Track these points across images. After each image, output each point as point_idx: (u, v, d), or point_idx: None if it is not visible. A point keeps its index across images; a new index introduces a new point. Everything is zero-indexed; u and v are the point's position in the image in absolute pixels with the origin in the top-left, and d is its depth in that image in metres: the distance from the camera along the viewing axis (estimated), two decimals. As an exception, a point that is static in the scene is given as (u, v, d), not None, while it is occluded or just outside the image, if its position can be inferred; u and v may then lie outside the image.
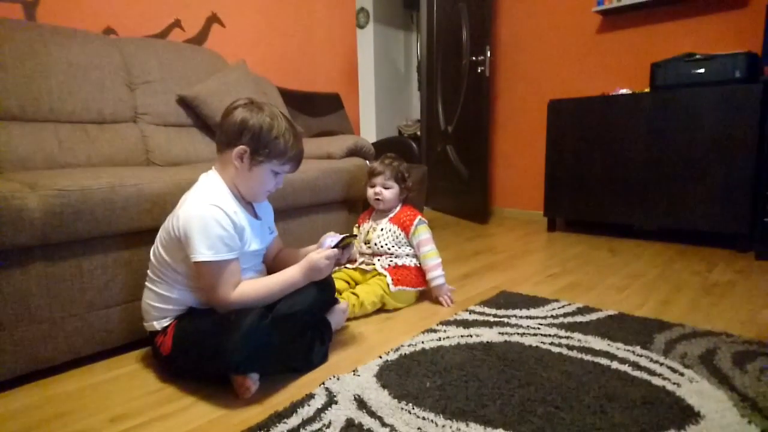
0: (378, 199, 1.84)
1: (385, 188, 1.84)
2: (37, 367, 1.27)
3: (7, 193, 1.17)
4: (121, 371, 1.34)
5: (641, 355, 1.32)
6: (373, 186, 1.85)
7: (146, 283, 1.30)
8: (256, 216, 1.37)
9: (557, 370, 1.25)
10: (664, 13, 2.95)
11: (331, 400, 1.12)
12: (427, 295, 1.86)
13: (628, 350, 1.35)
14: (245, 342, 1.10)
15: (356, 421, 1.04)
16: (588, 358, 1.31)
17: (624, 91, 2.86)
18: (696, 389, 1.14)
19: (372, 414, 1.07)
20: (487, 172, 3.44)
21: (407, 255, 1.83)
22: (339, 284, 1.70)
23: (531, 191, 3.65)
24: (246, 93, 2.23)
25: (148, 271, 1.29)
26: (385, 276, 1.74)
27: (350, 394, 1.15)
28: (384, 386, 1.18)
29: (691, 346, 1.37)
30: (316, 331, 1.36)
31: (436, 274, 1.79)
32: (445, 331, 1.52)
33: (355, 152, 2.34)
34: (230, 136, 1.24)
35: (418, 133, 4.22)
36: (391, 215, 1.86)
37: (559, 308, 1.70)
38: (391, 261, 1.80)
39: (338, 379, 1.22)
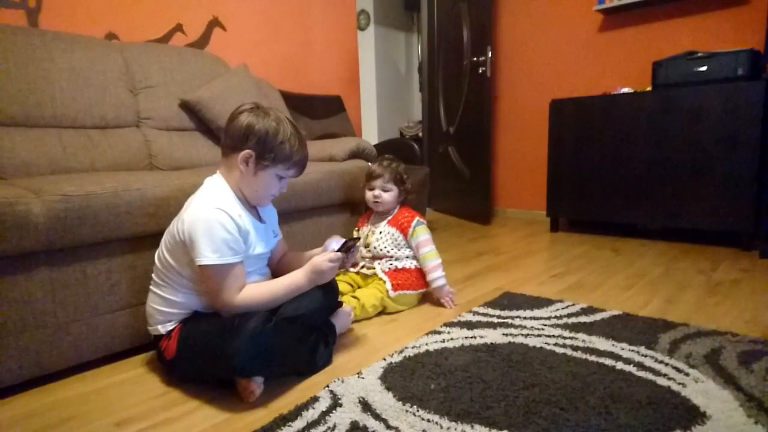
0: (377, 202, 1.84)
1: (385, 191, 1.83)
2: (42, 372, 1.28)
3: (12, 199, 1.18)
4: (126, 375, 1.34)
5: (646, 355, 1.32)
6: (372, 189, 1.85)
7: (151, 287, 1.30)
8: (260, 219, 1.38)
9: (562, 371, 1.24)
10: (666, 11, 2.95)
11: (335, 403, 1.12)
12: (429, 297, 1.85)
13: (633, 350, 1.35)
14: (249, 345, 1.10)
15: (361, 424, 1.04)
16: (593, 358, 1.31)
17: (626, 90, 2.85)
18: (701, 389, 1.14)
19: (377, 416, 1.07)
20: (489, 173, 3.44)
21: (407, 257, 1.83)
22: (342, 287, 1.71)
23: (533, 191, 3.64)
24: (248, 96, 2.24)
25: (153, 275, 1.30)
26: (385, 281, 1.74)
27: (355, 397, 1.15)
28: (388, 388, 1.18)
29: (696, 345, 1.37)
30: (320, 334, 1.36)
31: (436, 276, 1.78)
32: (449, 332, 1.52)
33: (357, 154, 2.34)
34: (236, 140, 1.25)
35: (420, 134, 4.22)
36: (390, 217, 1.86)
37: (563, 309, 1.70)
38: (391, 264, 1.80)
39: (342, 381, 1.22)
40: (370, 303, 1.67)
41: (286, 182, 1.34)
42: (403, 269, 1.79)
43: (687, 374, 1.21)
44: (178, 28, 2.88)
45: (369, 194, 1.86)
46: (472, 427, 1.02)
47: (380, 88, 4.35)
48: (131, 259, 1.42)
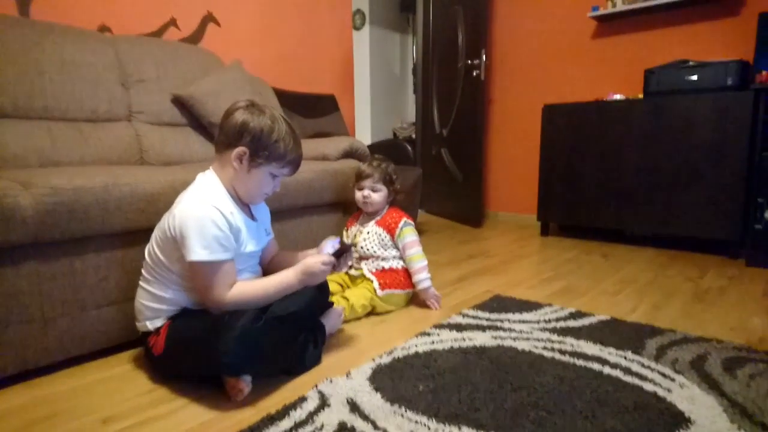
0: (366, 202, 1.84)
1: (374, 191, 1.82)
2: (28, 367, 1.26)
3: (0, 191, 1.16)
4: (113, 372, 1.33)
5: (633, 361, 1.33)
6: (361, 189, 1.84)
7: (140, 283, 1.29)
8: (252, 217, 1.37)
9: (550, 374, 1.25)
10: (659, 20, 2.98)
11: (323, 403, 1.12)
12: (418, 298, 1.86)
13: (620, 355, 1.36)
14: (238, 343, 1.10)
15: (349, 425, 1.04)
16: (580, 362, 1.32)
17: (618, 96, 2.88)
18: (687, 395, 1.15)
19: (365, 417, 1.07)
20: (481, 176, 3.45)
21: (394, 257, 1.82)
22: (332, 287, 1.70)
23: (525, 195, 3.66)
24: (241, 93, 2.23)
25: (143, 271, 1.29)
26: (372, 281, 1.75)
27: (343, 398, 1.15)
28: (377, 389, 1.18)
29: (682, 351, 1.38)
30: (309, 334, 1.35)
31: (421, 277, 1.78)
32: (438, 334, 1.52)
33: (350, 154, 2.34)
34: (230, 137, 1.24)
35: (413, 135, 4.23)
36: (378, 218, 1.85)
37: (551, 312, 1.71)
38: (377, 264, 1.80)
39: (331, 382, 1.22)
40: (359, 303, 1.67)
41: (279, 181, 1.34)
42: (390, 269, 1.79)
43: (673, 380, 1.22)
44: (172, 22, 2.86)
45: (358, 194, 1.86)
46: (460, 428, 1.02)
47: (374, 89, 4.35)
48: (120, 254, 1.41)
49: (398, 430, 1.02)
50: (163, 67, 2.24)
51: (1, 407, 1.15)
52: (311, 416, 1.07)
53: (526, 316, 1.68)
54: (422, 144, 4.05)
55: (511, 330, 1.55)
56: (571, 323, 1.61)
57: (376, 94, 4.37)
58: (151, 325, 1.25)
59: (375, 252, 1.80)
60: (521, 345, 1.43)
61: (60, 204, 1.24)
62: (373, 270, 1.78)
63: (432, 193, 3.97)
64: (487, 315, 1.69)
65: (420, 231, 1.85)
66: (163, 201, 1.42)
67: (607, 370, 1.28)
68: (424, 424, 1.04)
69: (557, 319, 1.64)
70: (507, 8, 3.64)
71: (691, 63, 2.59)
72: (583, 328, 1.56)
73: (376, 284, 1.74)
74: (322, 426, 1.03)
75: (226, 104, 1.33)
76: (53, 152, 1.79)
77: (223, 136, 1.27)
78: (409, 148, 3.31)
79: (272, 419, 1.05)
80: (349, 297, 1.67)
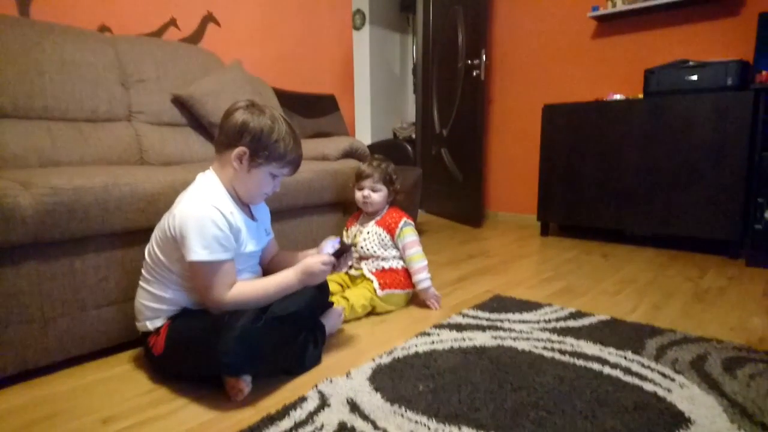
0: (366, 202, 1.84)
1: (374, 191, 1.82)
2: (28, 367, 1.26)
3: (0, 192, 1.16)
4: (113, 372, 1.33)
5: (633, 361, 1.33)
6: (361, 189, 1.84)
7: (140, 283, 1.29)
8: (252, 217, 1.37)
9: (549, 374, 1.25)
10: (659, 20, 2.98)
11: (323, 403, 1.12)
12: (418, 298, 1.86)
13: (620, 355, 1.36)
14: (238, 343, 1.09)
15: (349, 425, 1.04)
16: (580, 362, 1.32)
17: (618, 96, 2.88)
18: (686, 395, 1.15)
19: (365, 417, 1.07)
20: (481, 176, 3.45)
21: (394, 257, 1.82)
22: (332, 287, 1.70)
23: (525, 195, 3.66)
24: (241, 93, 2.23)
25: (143, 271, 1.29)
26: (372, 281, 1.75)
27: (343, 398, 1.15)
28: (377, 389, 1.18)
29: (682, 351, 1.38)
30: (309, 334, 1.35)
31: (421, 277, 1.78)
32: (438, 334, 1.52)
33: (350, 154, 2.34)
34: (230, 137, 1.24)
35: (413, 135, 4.23)
36: (378, 218, 1.85)
37: (552, 312, 1.71)
38: (377, 264, 1.80)
39: (331, 382, 1.22)
40: (359, 303, 1.67)
41: (279, 181, 1.34)
42: (390, 269, 1.80)
43: (673, 380, 1.22)
44: (172, 22, 2.87)
45: (358, 194, 1.86)
46: (460, 428, 1.02)
47: (374, 89, 4.35)
48: (120, 254, 1.41)
49: (398, 430, 1.02)
50: (163, 67, 2.24)
51: (1, 407, 1.15)
52: (311, 416, 1.07)
53: (526, 316, 1.68)
54: (422, 144, 4.05)
55: (511, 330, 1.55)
56: (571, 323, 1.61)
57: (376, 94, 4.37)
58: (151, 325, 1.25)
59: (375, 252, 1.80)
60: (521, 345, 1.43)
61: (60, 204, 1.24)
62: (373, 270, 1.78)
63: (432, 193, 3.97)
64: (487, 315, 1.69)
65: (420, 231, 1.85)
66: (163, 201, 1.42)
67: (607, 370, 1.28)
68: (424, 424, 1.04)
69: (557, 319, 1.64)
70: (507, 8, 3.64)
71: (691, 63, 2.59)
72: (583, 328, 1.56)
73: (376, 284, 1.74)
74: (322, 426, 1.03)
75: (226, 104, 1.33)
76: (53, 152, 1.79)
77: (223, 136, 1.27)
78: (409, 148, 3.31)
79: (272, 419, 1.05)
80: (349, 297, 1.67)
